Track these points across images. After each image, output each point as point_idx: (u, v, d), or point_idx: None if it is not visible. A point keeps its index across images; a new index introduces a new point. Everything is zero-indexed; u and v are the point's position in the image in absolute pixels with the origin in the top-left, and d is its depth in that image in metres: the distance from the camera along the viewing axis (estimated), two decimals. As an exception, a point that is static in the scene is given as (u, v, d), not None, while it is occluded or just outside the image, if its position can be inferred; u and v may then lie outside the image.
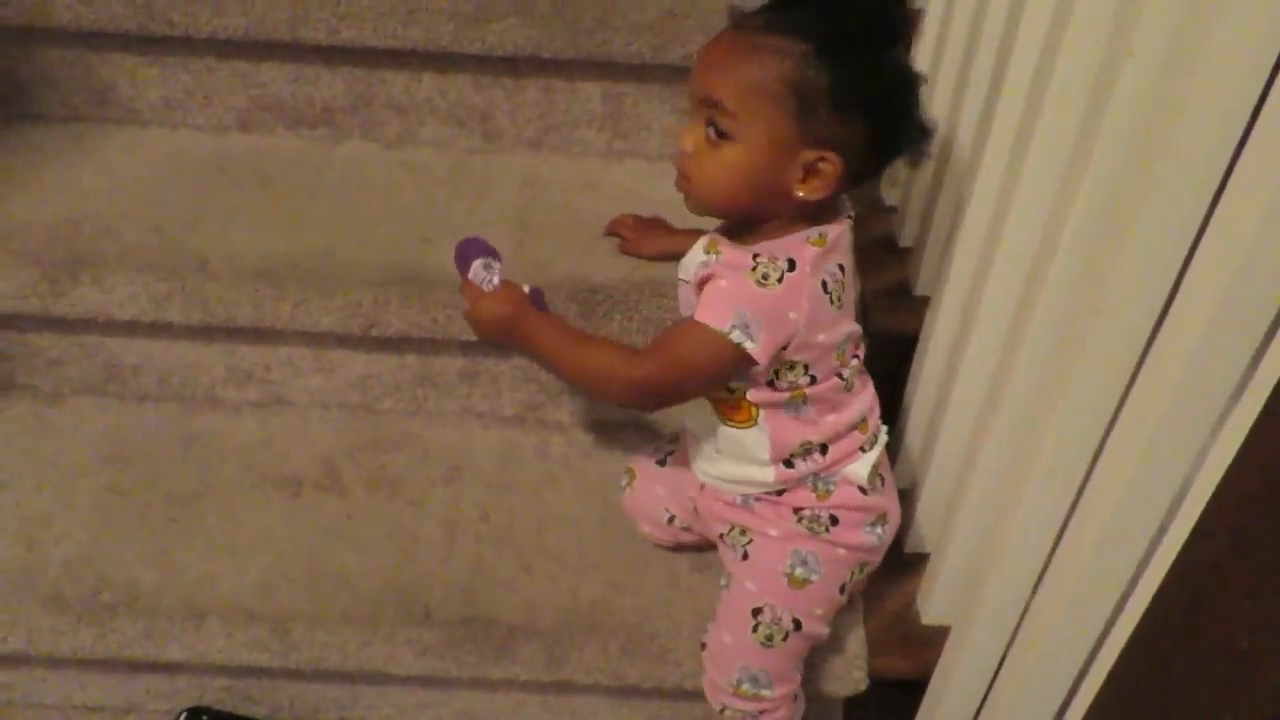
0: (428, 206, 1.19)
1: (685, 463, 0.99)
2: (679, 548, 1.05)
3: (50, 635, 0.99)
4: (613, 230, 1.14)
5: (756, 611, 0.90)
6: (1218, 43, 0.55)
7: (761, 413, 0.87)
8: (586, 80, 1.23)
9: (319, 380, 1.17)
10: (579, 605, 1.02)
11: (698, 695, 1.03)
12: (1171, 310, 0.65)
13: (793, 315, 0.80)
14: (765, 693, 0.90)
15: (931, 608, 1.00)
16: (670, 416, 1.15)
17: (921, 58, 1.16)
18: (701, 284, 0.83)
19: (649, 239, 1.11)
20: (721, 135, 0.79)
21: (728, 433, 0.90)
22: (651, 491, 1.03)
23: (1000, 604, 0.85)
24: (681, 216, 1.12)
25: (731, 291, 0.80)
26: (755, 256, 0.80)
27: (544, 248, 1.14)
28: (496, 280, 0.92)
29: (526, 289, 0.93)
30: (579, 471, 1.14)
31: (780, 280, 0.79)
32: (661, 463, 1.04)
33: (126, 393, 1.18)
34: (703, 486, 0.96)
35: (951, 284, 0.97)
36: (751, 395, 0.86)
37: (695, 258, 0.85)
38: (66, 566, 1.03)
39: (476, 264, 0.92)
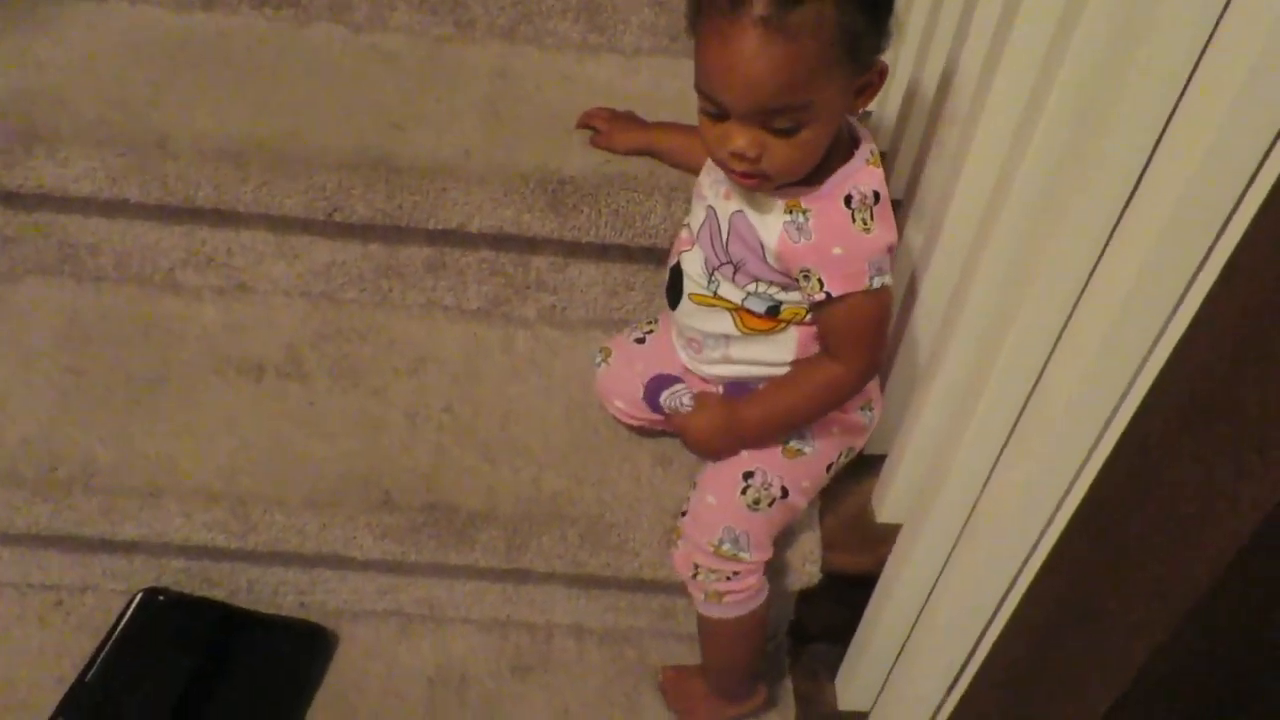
0: (397, 93, 1.16)
1: (666, 343, 0.99)
2: (647, 429, 1.06)
3: (5, 510, 0.99)
4: (585, 123, 1.12)
5: (748, 475, 0.92)
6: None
7: (792, 324, 0.88)
8: (562, -31, 1.20)
9: (282, 267, 1.16)
10: (540, 495, 1.03)
11: (655, 586, 1.05)
12: (1126, 213, 0.65)
13: (891, 239, 0.83)
14: (744, 555, 0.92)
15: (886, 507, 1.02)
16: (644, 310, 1.15)
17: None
18: (792, 246, 0.82)
19: (622, 133, 1.09)
20: (794, 127, 0.76)
21: (749, 341, 0.90)
22: (629, 369, 1.03)
23: (952, 501, 0.86)
24: (655, 112, 1.12)
25: (852, 252, 0.81)
26: (847, 202, 0.81)
27: (515, 138, 1.11)
28: (688, 399, 0.94)
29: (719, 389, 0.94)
30: (545, 367, 1.13)
31: (872, 217, 0.82)
32: (640, 340, 1.04)
33: (84, 273, 1.16)
34: (686, 370, 0.97)
35: (922, 190, 0.97)
36: (791, 308, 0.87)
37: (774, 215, 0.83)
38: (23, 444, 1.02)
39: (664, 396, 0.94)
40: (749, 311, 0.88)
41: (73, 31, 1.20)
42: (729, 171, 0.81)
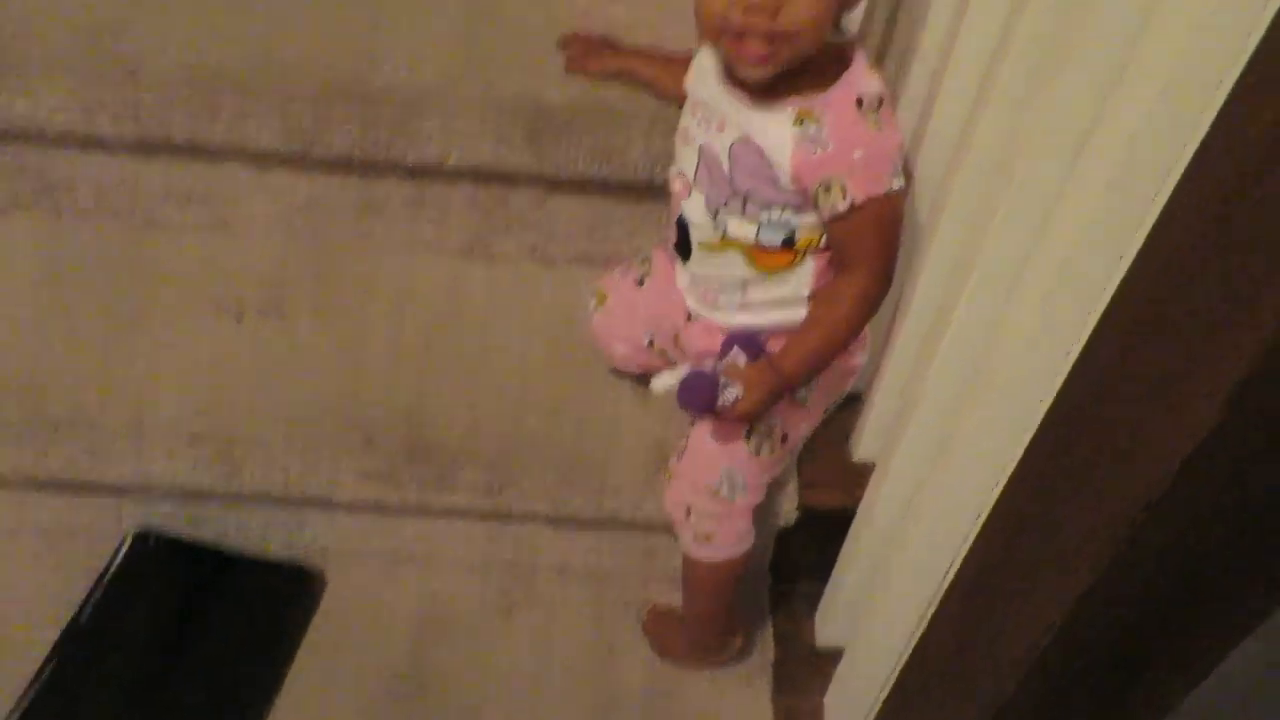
0: (371, 21, 1.13)
1: (669, 286, 0.96)
2: (646, 370, 1.03)
3: (-7, 452, 1.00)
4: (562, 46, 1.09)
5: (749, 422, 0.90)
6: None
7: (808, 253, 0.86)
8: (542, -113, 1.15)
9: (262, 203, 1.14)
10: (521, 433, 1.03)
11: (636, 525, 1.06)
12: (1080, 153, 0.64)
13: (901, 138, 0.83)
14: (739, 497, 0.93)
15: (862, 445, 1.02)
16: (625, 246, 1.14)
17: None
18: (809, 158, 0.79)
19: (596, 57, 1.06)
20: None
21: (765, 281, 0.88)
22: (631, 313, 1.00)
23: (921, 436, 0.86)
24: (636, 38, 1.08)
25: (873, 153, 0.80)
26: (859, 105, 0.79)
27: (493, 67, 1.08)
28: (733, 392, 0.84)
29: (741, 360, 0.86)
30: (526, 305, 1.13)
31: (880, 116, 0.80)
32: (640, 282, 1.01)
33: (61, 209, 1.15)
34: (689, 317, 0.95)
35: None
36: (807, 235, 0.84)
37: (782, 130, 0.80)
38: (5, 384, 1.02)
39: (723, 398, 0.84)
40: (763, 249, 0.86)
41: (38, -43, 1.16)
42: (737, 55, 0.77)
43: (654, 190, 1.05)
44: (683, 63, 0.91)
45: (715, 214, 0.86)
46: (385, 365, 1.07)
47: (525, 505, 1.02)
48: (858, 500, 0.99)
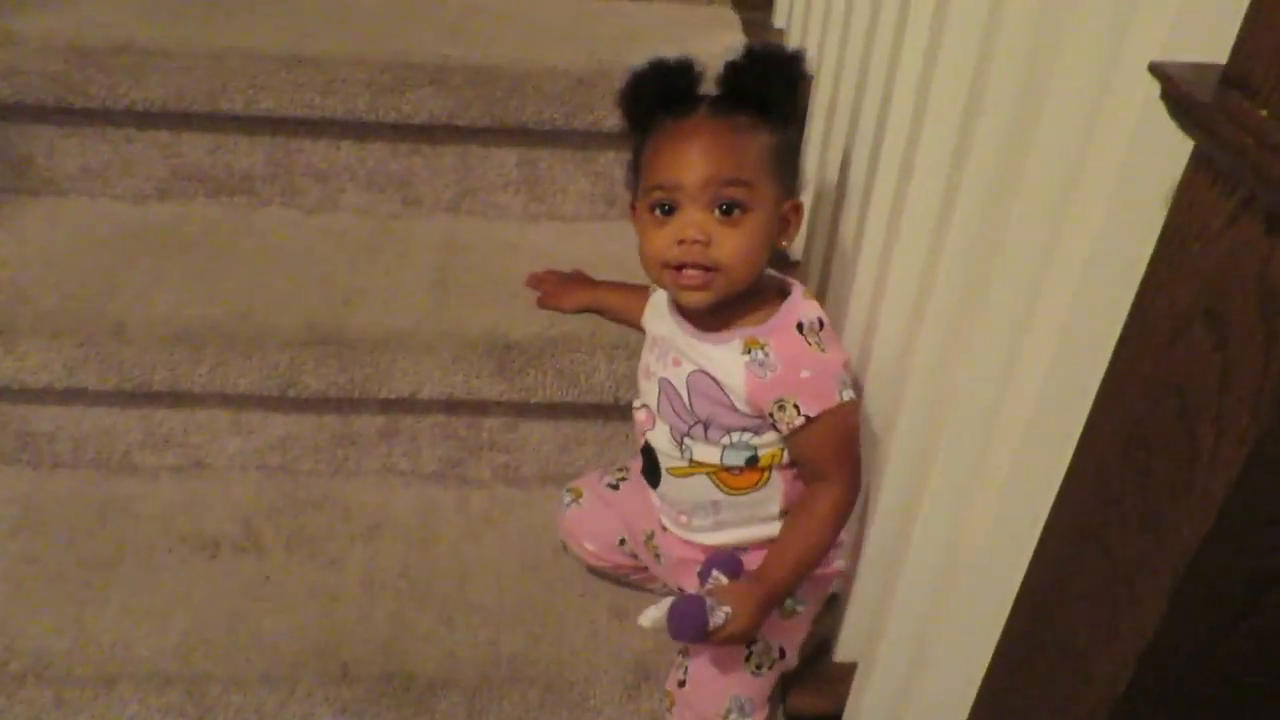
0: (348, 270, 1.22)
1: (641, 493, 1.00)
2: (615, 571, 1.07)
3: (-44, 707, 0.97)
4: (533, 284, 1.18)
5: (751, 643, 0.92)
6: None
7: (773, 470, 0.90)
8: (501, 146, 1.28)
9: (237, 443, 1.18)
10: (500, 656, 1.03)
11: (618, 742, 1.04)
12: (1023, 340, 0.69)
13: (845, 356, 0.90)
14: (750, 719, 0.94)
15: (843, 645, 1.03)
16: (595, 462, 1.18)
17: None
18: (761, 382, 0.85)
19: (569, 292, 1.15)
20: (740, 209, 0.83)
21: (735, 501, 0.92)
22: (604, 513, 1.05)
23: (899, 634, 0.88)
24: (595, 272, 1.18)
25: (818, 371, 0.86)
26: (800, 329, 0.87)
27: (462, 307, 1.16)
28: (722, 613, 0.84)
29: (724, 580, 0.88)
30: (500, 525, 1.15)
31: (823, 340, 0.87)
32: (614, 487, 1.06)
33: (41, 460, 1.18)
34: (665, 529, 0.98)
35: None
36: (769, 452, 0.89)
37: (733, 359, 0.86)
38: (-26, 637, 1.01)
39: (714, 620, 0.84)
40: (729, 470, 0.90)
41: (32, 227, 1.25)
42: (677, 284, 0.85)
43: (621, 409, 1.11)
44: (646, 291, 1.00)
45: (680, 441, 0.91)
46: (361, 594, 1.07)
47: (506, 730, 1.00)
48: (841, 702, 0.99)
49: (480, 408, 1.15)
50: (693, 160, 0.83)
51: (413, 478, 1.19)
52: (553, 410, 1.15)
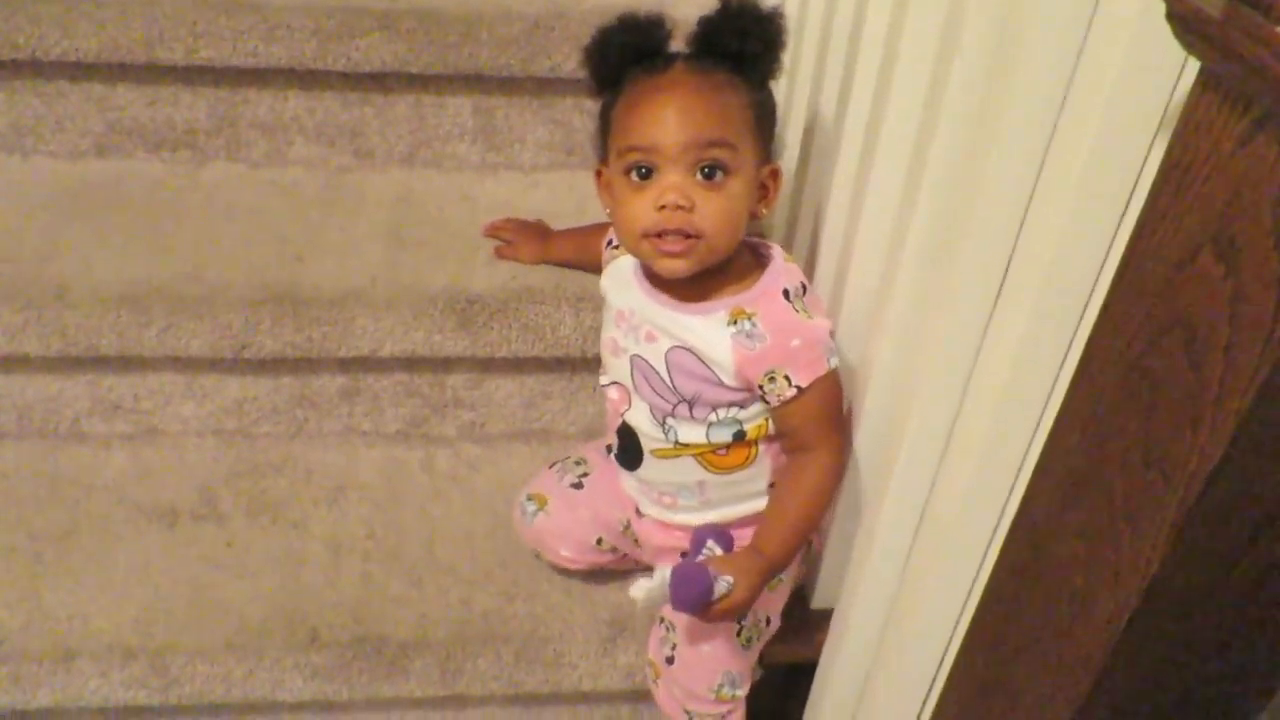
0: (299, 225, 1.17)
1: (609, 486, 0.97)
2: (591, 569, 1.03)
3: (-94, 689, 0.94)
4: (492, 233, 1.14)
5: (741, 616, 0.90)
6: None
7: (760, 444, 0.87)
8: (456, 94, 1.23)
9: (191, 407, 1.14)
10: (472, 616, 1.01)
11: (595, 697, 1.04)
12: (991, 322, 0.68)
13: (829, 323, 0.86)
14: (739, 692, 0.93)
15: (819, 592, 1.03)
16: (562, 427, 1.16)
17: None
18: (749, 354, 0.82)
19: (529, 243, 1.11)
20: (723, 172, 0.79)
21: (722, 480, 0.89)
22: (573, 516, 0.99)
23: (876, 584, 0.88)
24: (555, 224, 1.15)
25: (808, 339, 0.83)
26: (786, 296, 0.83)
27: (420, 261, 1.13)
28: (725, 581, 0.80)
29: (719, 551, 0.83)
30: (467, 484, 1.13)
31: (807, 302, 0.84)
32: (578, 486, 1.01)
33: (-18, 433, 1.13)
34: (641, 514, 0.95)
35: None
36: (756, 425, 0.86)
37: (717, 331, 0.83)
38: (-78, 617, 0.97)
39: (718, 589, 0.80)
40: (716, 450, 0.87)
41: (-38, 189, 1.19)
42: (660, 251, 0.80)
43: (588, 363, 1.09)
44: (603, 231, 0.96)
45: (663, 421, 0.87)
46: (327, 558, 1.05)
47: (480, 689, 0.99)
48: (818, 649, 0.98)
49: (443, 364, 1.12)
50: (672, 119, 0.78)
51: (376, 438, 1.16)
52: (518, 365, 1.13)
